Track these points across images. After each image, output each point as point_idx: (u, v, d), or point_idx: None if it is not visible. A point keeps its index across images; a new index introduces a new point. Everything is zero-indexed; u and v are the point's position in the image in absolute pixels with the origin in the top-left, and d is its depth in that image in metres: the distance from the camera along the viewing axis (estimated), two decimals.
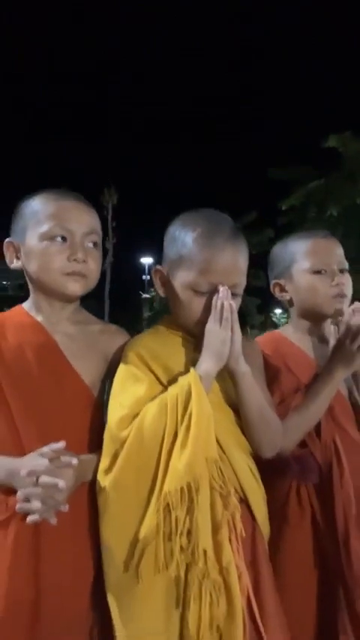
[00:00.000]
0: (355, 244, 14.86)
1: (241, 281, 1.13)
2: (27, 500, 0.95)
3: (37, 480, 0.94)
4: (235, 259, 1.10)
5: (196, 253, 1.09)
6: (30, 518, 0.95)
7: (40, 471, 0.95)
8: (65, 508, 0.97)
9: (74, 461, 0.97)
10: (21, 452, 1.02)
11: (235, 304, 1.10)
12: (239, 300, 1.14)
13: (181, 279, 1.12)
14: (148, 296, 21.25)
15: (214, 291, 1.08)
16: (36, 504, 0.94)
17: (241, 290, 1.13)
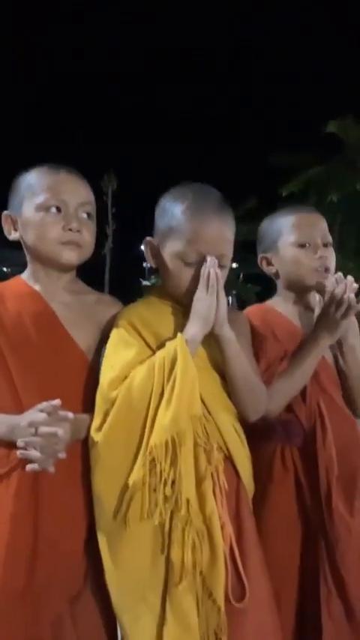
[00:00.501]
0: (355, 231, 14.87)
1: (228, 252, 1.18)
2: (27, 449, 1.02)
3: (36, 430, 1.01)
4: (221, 230, 1.16)
5: (184, 224, 1.14)
6: (29, 467, 1.02)
7: (39, 422, 1.02)
8: (63, 455, 1.04)
9: (70, 415, 1.04)
10: (21, 411, 1.09)
11: (222, 275, 1.15)
12: (226, 271, 1.19)
13: (170, 249, 1.17)
14: (148, 283, 21.29)
15: (201, 261, 1.13)
16: (35, 453, 1.01)
17: (227, 261, 1.18)
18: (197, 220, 1.13)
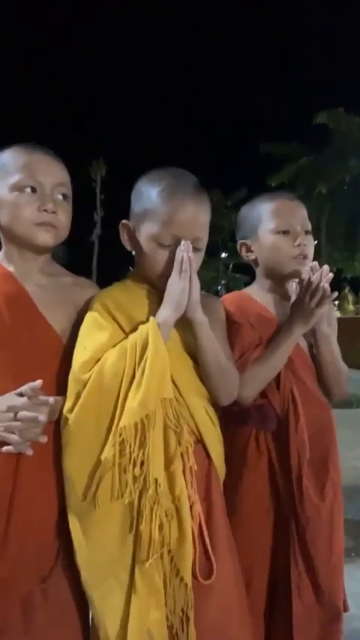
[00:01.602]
0: (343, 221, 14.93)
1: (203, 236, 1.18)
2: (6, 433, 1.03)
3: (15, 415, 1.02)
4: (197, 213, 1.15)
5: (159, 206, 1.14)
6: (5, 449, 1.03)
7: (18, 406, 1.03)
8: (44, 439, 1.05)
9: (50, 399, 1.05)
10: None
11: (197, 259, 1.15)
12: (201, 255, 1.19)
13: (145, 231, 1.17)
14: None
15: (176, 244, 1.13)
16: (13, 436, 1.02)
17: (202, 245, 1.18)
18: (172, 203, 1.13)
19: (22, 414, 1.02)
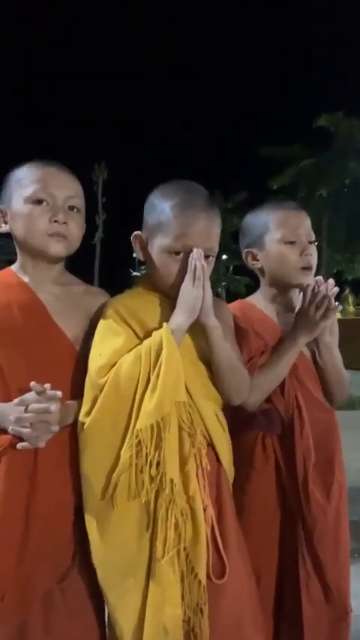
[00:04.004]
0: (343, 224, 14.97)
1: (215, 245, 1.23)
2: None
3: (26, 408, 1.07)
4: (208, 226, 1.20)
5: (173, 219, 1.18)
6: (20, 445, 1.08)
7: (29, 399, 1.07)
8: (56, 428, 1.10)
9: (59, 393, 1.09)
10: (9, 399, 1.12)
11: (209, 266, 1.20)
12: (212, 261, 1.24)
13: (158, 243, 1.21)
14: (137, 274, 21.25)
15: (188, 255, 1.17)
16: (26, 430, 1.06)
17: (214, 253, 1.23)
18: (186, 216, 1.18)
19: (32, 405, 1.06)
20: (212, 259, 1.23)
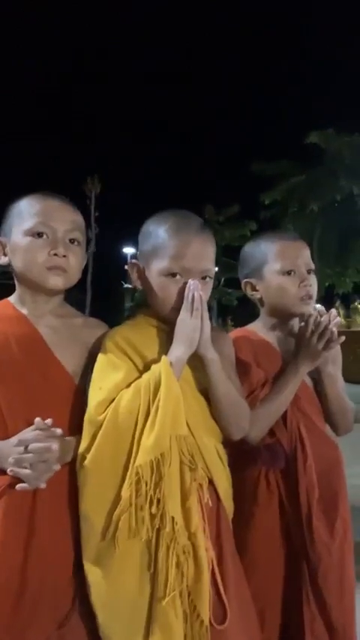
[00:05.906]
0: (334, 239, 15.12)
1: (211, 267, 1.22)
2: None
3: (25, 448, 1.03)
4: (204, 245, 1.20)
5: (168, 241, 1.18)
6: (20, 486, 1.04)
7: (29, 439, 1.04)
8: (57, 467, 1.06)
9: (59, 431, 1.06)
10: (7, 435, 1.09)
11: (207, 289, 1.19)
12: (210, 283, 1.22)
13: (155, 267, 1.20)
14: (130, 286, 21.21)
15: (186, 278, 1.16)
16: (25, 471, 1.03)
17: (211, 274, 1.22)
18: (180, 237, 1.18)
19: (33, 445, 1.03)
20: (210, 281, 1.22)
